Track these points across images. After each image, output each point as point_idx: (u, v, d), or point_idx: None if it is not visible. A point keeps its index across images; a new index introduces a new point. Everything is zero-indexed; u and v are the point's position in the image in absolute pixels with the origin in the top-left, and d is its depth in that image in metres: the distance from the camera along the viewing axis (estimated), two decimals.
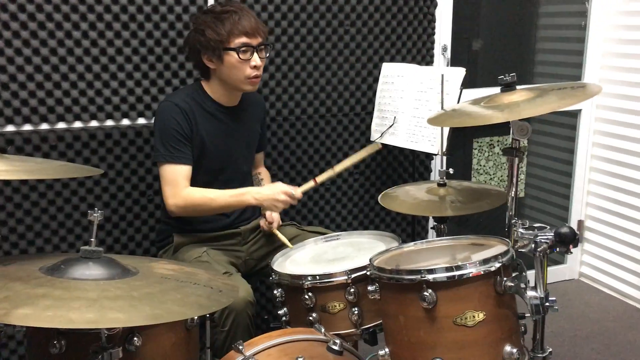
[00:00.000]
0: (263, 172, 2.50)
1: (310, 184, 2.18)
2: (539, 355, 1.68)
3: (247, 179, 2.34)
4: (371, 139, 2.76)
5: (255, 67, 2.09)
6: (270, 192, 2.11)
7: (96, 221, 1.30)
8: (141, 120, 2.46)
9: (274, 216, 2.31)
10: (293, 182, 2.76)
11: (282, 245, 2.23)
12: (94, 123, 2.40)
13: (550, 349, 1.70)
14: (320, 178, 2.20)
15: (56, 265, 1.25)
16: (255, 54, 2.08)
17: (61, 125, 2.36)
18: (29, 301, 1.09)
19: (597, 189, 3.41)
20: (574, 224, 3.42)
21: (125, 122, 2.45)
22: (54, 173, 1.57)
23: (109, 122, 2.42)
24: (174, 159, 2.08)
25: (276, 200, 2.08)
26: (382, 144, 2.72)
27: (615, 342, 2.85)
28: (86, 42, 2.32)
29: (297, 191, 2.11)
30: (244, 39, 2.05)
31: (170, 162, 2.08)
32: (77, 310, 1.07)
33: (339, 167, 2.22)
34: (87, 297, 1.12)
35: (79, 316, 1.05)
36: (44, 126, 2.34)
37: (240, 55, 2.06)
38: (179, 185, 2.08)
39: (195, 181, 2.13)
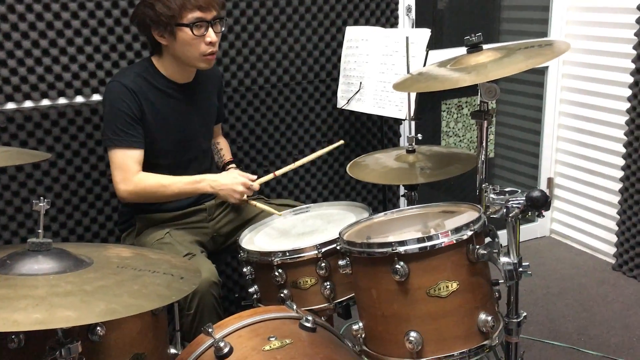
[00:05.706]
0: (222, 142, 2.41)
1: (269, 177, 2.13)
2: (513, 320, 1.66)
3: (207, 157, 2.25)
4: (337, 106, 2.69)
5: (210, 43, 1.96)
6: (228, 181, 2.02)
7: (42, 211, 1.21)
8: (96, 97, 2.34)
9: None
10: (260, 154, 2.69)
11: (251, 220, 2.17)
12: (45, 102, 2.28)
13: (525, 314, 1.68)
14: (280, 171, 2.14)
15: (1, 261, 1.17)
16: (210, 28, 1.95)
17: (10, 105, 2.23)
18: None
19: (565, 146, 3.41)
20: (543, 182, 3.43)
21: (79, 99, 2.33)
22: None
23: (62, 100, 2.30)
24: (122, 144, 1.96)
25: (233, 191, 2.01)
26: (350, 110, 2.65)
27: (587, 297, 2.88)
28: (31, 16, 2.18)
29: (255, 183, 2.04)
30: (197, 14, 1.91)
31: (119, 146, 1.96)
32: (22, 311, 0.99)
33: (300, 162, 2.15)
34: (34, 295, 1.04)
35: (24, 317, 0.97)
36: None
37: (194, 31, 1.92)
38: (129, 170, 1.96)
39: (156, 164, 2.03)
